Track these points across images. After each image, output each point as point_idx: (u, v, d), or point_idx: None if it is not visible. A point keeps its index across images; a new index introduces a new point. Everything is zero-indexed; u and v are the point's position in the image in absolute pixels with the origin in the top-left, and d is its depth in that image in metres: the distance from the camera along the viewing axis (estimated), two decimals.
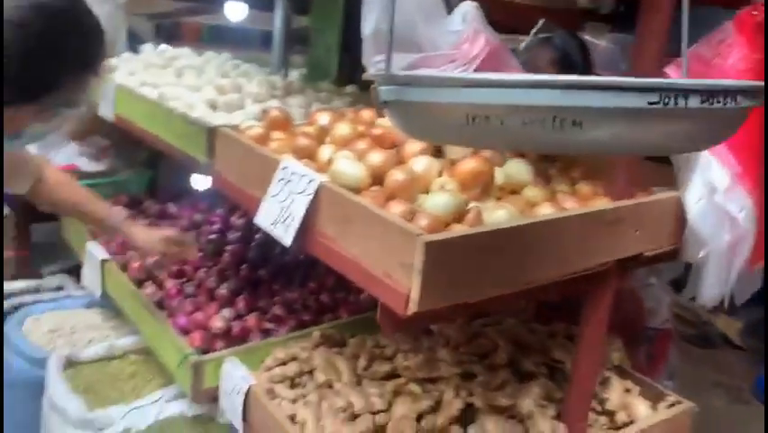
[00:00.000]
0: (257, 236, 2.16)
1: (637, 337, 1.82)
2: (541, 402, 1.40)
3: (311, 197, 1.09)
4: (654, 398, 1.56)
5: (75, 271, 2.68)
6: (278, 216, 1.14)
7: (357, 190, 1.08)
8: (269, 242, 2.14)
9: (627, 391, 1.55)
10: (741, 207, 1.18)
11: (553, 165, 1.51)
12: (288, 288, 1.93)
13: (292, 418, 1.37)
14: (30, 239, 2.93)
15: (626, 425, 1.46)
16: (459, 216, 1.02)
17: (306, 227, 1.11)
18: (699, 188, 1.22)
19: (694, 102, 0.54)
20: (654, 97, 0.53)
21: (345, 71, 2.24)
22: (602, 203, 1.17)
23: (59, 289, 2.52)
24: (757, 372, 2.72)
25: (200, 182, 2.44)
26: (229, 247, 2.07)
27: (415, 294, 0.91)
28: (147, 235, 1.73)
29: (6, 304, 2.36)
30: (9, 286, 2.54)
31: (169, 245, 1.73)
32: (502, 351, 1.47)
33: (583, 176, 1.39)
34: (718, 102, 0.55)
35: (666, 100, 0.53)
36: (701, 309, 3.29)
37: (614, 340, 1.62)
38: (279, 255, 2.10)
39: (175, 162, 2.66)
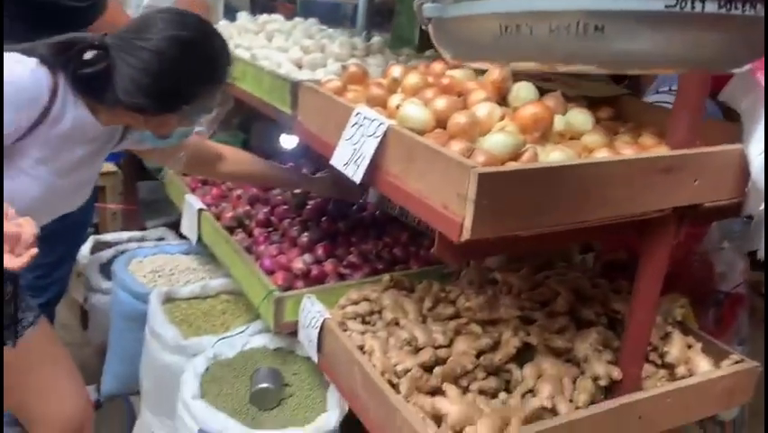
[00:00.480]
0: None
1: (705, 300, 1.82)
2: (597, 348, 1.45)
3: (379, 138, 1.20)
4: (717, 356, 1.57)
5: (175, 226, 2.94)
6: (351, 157, 1.26)
7: (421, 133, 1.18)
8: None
9: (689, 346, 1.57)
10: None
11: (624, 125, 1.55)
12: (364, 240, 2.05)
13: (361, 348, 1.50)
14: (137, 195, 3.22)
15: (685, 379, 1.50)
16: (516, 156, 1.10)
17: (375, 166, 1.22)
18: (762, 140, 1.23)
19: (711, 6, 0.58)
20: (671, 0, 0.58)
21: (427, 39, 2.31)
22: (660, 150, 1.21)
23: (161, 239, 2.78)
24: None
25: (287, 142, 2.61)
26: (311, 201, 2.22)
27: (468, 222, 1.00)
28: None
29: (114, 250, 2.64)
30: (117, 236, 2.83)
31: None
32: (562, 299, 1.53)
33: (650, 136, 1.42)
34: (736, 8, 0.58)
35: (683, 3, 0.57)
36: None
37: (678, 297, 1.63)
38: (357, 211, 2.23)
39: (265, 125, 2.85)
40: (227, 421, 1.54)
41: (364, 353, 1.48)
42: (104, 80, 1.29)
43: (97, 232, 3.03)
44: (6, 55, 1.26)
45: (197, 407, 1.58)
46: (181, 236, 2.59)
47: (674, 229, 1.28)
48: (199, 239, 2.25)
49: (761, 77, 1.26)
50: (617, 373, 1.38)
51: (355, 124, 1.28)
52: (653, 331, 1.53)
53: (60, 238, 1.97)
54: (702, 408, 1.50)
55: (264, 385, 1.66)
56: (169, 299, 2.04)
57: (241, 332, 1.87)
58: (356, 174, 1.24)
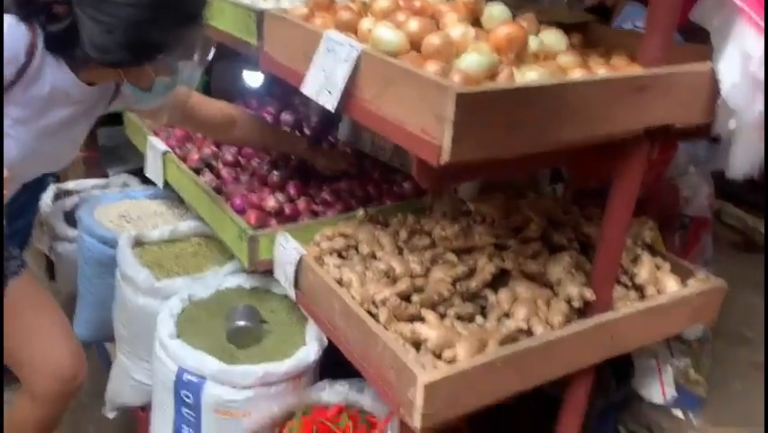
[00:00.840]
0: (306, 131, 2.26)
1: (672, 224, 1.86)
2: (570, 271, 1.48)
3: (351, 63, 1.17)
4: (685, 275, 1.62)
5: (138, 172, 2.86)
6: (322, 85, 1.23)
7: (395, 56, 1.15)
8: (319, 136, 2.25)
9: (658, 267, 1.62)
10: None
11: (595, 50, 1.55)
12: (336, 178, 2.03)
13: (339, 281, 1.50)
14: (97, 142, 3.12)
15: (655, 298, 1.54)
16: (492, 76, 1.08)
17: (348, 93, 1.19)
18: (733, 58, 1.23)
19: None
20: None
21: None
22: (632, 70, 1.21)
23: (125, 186, 2.71)
24: None
25: (251, 80, 2.54)
26: None
27: (447, 145, 0.99)
28: (326, 162, 2.04)
29: (77, 198, 2.57)
30: (80, 183, 2.75)
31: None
32: (535, 225, 1.54)
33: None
34: None
35: None
36: (749, 216, 3.27)
37: (647, 220, 1.67)
38: (326, 148, 2.20)
39: (227, 65, 2.76)
40: (206, 358, 1.54)
41: (342, 285, 1.49)
42: (72, 36, 1.22)
43: (58, 180, 2.94)
44: None
45: (175, 346, 1.58)
46: (145, 182, 2.54)
47: (646, 150, 1.29)
48: (165, 183, 2.20)
49: None
50: (589, 294, 1.42)
51: (325, 50, 1.24)
52: (624, 253, 1.57)
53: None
54: (671, 325, 1.56)
55: (241, 323, 1.66)
56: (138, 243, 2.00)
57: (215, 271, 1.85)
58: (329, 102, 1.21)
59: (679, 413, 1.96)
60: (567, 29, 1.60)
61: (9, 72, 1.22)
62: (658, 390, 1.98)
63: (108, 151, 3.17)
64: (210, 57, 1.41)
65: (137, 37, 1.22)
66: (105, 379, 2.26)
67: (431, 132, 1.02)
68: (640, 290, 1.58)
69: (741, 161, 1.31)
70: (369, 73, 1.15)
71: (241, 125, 1.88)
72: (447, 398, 1.22)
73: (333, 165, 2.04)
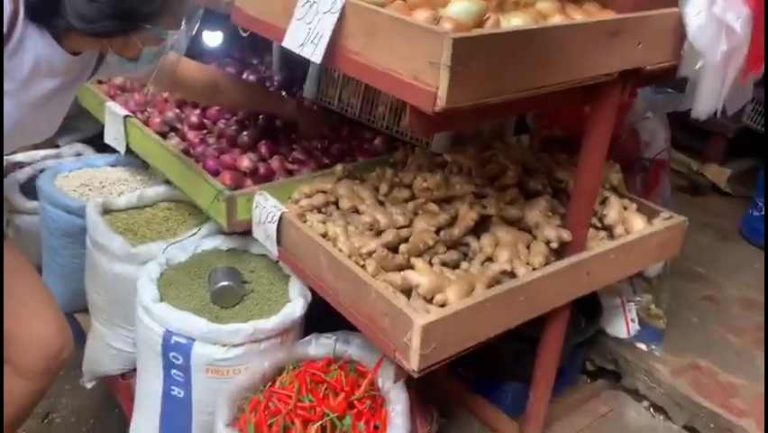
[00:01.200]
0: (272, 90, 2.24)
1: (633, 167, 1.95)
2: (547, 214, 1.55)
3: (337, 14, 1.17)
4: (650, 215, 1.71)
5: (92, 141, 2.78)
6: (306, 37, 1.22)
7: (381, 5, 1.15)
8: (282, 93, 2.23)
9: (625, 208, 1.70)
10: (738, 15, 1.26)
11: None
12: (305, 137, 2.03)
13: (324, 235, 1.52)
14: None
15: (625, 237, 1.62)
16: (479, 23, 1.10)
17: (334, 44, 1.19)
18: (698, 1, 1.29)
19: None
20: None
21: None
22: (607, 14, 1.25)
23: (79, 155, 2.62)
24: (743, 214, 2.90)
25: (211, 39, 2.48)
26: None
27: (443, 90, 1.01)
28: (308, 124, 2.04)
29: (30, 169, 2.48)
30: (31, 155, 2.64)
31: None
32: (512, 172, 1.60)
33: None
34: None
35: None
36: (693, 161, 3.43)
37: (614, 164, 1.75)
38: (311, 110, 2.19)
39: (185, 27, 2.67)
40: (194, 319, 1.54)
41: (327, 240, 1.50)
42: (54, 5, 1.18)
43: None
44: None
45: (160, 309, 1.57)
46: (101, 151, 2.46)
47: (619, 93, 1.35)
48: (128, 149, 2.14)
49: None
50: (566, 235, 1.48)
51: (307, 2, 1.23)
52: None
53: None
54: (640, 261, 1.65)
55: (224, 283, 1.66)
56: (106, 211, 1.96)
57: (192, 235, 1.84)
58: (314, 54, 1.21)
59: (642, 346, 2.08)
60: None
61: None
62: (623, 326, 2.09)
63: None
64: (197, 24, 1.36)
65: (122, 7, 1.18)
66: (77, 354, 2.22)
67: (424, 79, 1.04)
68: (609, 230, 1.66)
69: (705, 101, 1.38)
70: (355, 23, 1.15)
71: (226, 88, 1.86)
72: (442, 339, 1.27)
73: (314, 128, 2.04)
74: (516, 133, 2.15)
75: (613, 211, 1.66)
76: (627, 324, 2.08)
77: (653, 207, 1.73)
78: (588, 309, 1.95)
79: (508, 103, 1.15)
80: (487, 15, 1.12)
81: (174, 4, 1.27)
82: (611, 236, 1.65)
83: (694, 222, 2.94)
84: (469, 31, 1.07)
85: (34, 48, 1.25)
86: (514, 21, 1.13)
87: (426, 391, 1.75)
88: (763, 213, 2.74)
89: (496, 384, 1.92)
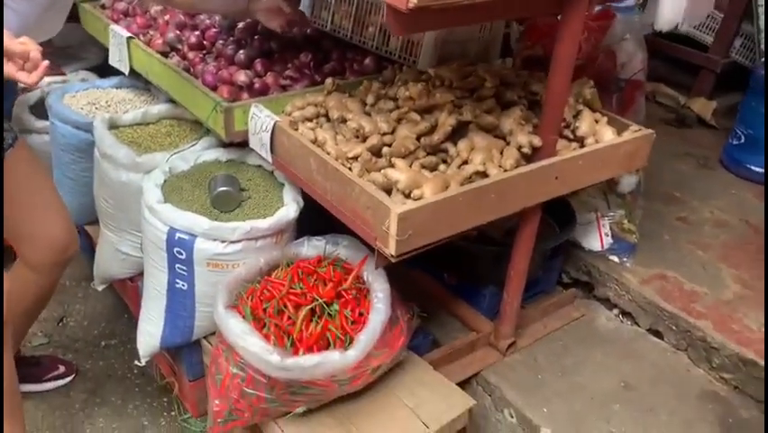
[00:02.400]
0: None
1: (609, 87, 2.06)
2: (520, 122, 1.67)
3: None
4: (620, 128, 1.82)
5: (96, 70, 2.88)
6: None
7: None
8: None
9: (596, 121, 1.82)
10: None
11: None
12: (299, 56, 2.13)
13: (313, 141, 1.64)
14: (51, 40, 3.08)
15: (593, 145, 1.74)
16: None
17: None
18: None
19: None
20: None
21: None
22: None
23: (85, 81, 2.73)
24: (724, 144, 3.01)
25: None
26: (241, 24, 2.25)
27: None
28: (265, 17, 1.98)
29: (39, 92, 2.59)
30: None
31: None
32: (489, 83, 1.71)
33: None
34: None
35: None
36: (681, 95, 3.52)
37: (587, 80, 1.85)
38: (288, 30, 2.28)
39: None
40: (196, 217, 1.68)
41: (317, 145, 1.63)
42: None
43: None
44: None
45: (165, 209, 1.71)
46: (105, 77, 2.57)
47: (587, 3, 1.45)
48: (131, 70, 2.25)
49: None
50: (537, 140, 1.61)
51: None
52: (567, 109, 1.76)
53: None
54: (608, 169, 1.77)
55: (224, 188, 1.80)
56: (112, 126, 2.08)
57: (192, 145, 1.97)
58: None
59: (615, 258, 2.23)
60: None
61: None
62: (597, 239, 2.24)
63: (62, 49, 3.15)
64: None
65: None
66: (85, 264, 2.39)
67: None
68: (581, 142, 1.78)
69: (668, 14, 1.49)
70: None
71: None
72: (417, 227, 1.41)
73: (271, 20, 2.01)
74: (503, 57, 2.25)
75: (585, 124, 1.78)
76: (601, 237, 2.23)
77: (623, 122, 1.85)
78: (562, 219, 2.09)
79: (477, 5, 1.25)
80: None
81: None
82: (583, 147, 1.77)
83: (676, 151, 3.09)
84: None
85: None
86: None
87: (412, 294, 1.91)
88: (742, 142, 2.85)
89: (475, 288, 2.07)
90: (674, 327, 2.04)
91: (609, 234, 2.22)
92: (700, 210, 2.59)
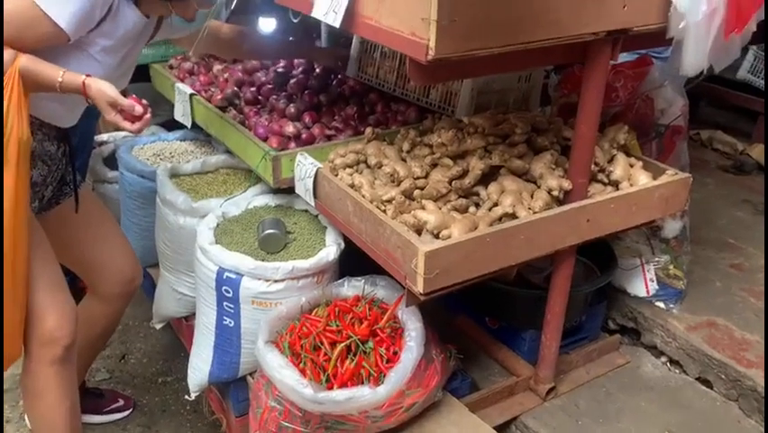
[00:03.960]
0: (315, 69, 2.49)
1: (648, 132, 2.07)
2: (551, 166, 1.71)
3: None
4: (657, 173, 1.84)
5: (165, 125, 3.11)
6: (329, 6, 1.45)
7: None
8: (327, 73, 2.48)
9: (631, 166, 1.84)
10: None
11: None
12: (345, 109, 2.26)
13: (351, 185, 1.74)
14: (125, 96, 3.36)
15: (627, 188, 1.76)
16: None
17: (351, 12, 1.41)
18: None
19: None
20: None
21: None
22: None
23: (153, 135, 2.96)
24: None
25: (266, 25, 2.75)
26: (293, 79, 2.41)
27: (432, 42, 1.22)
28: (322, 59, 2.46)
29: (113, 145, 2.83)
30: (113, 135, 3.00)
31: None
32: (520, 129, 1.76)
33: None
34: None
35: None
36: (740, 142, 3.46)
37: (622, 125, 1.88)
38: (336, 85, 2.43)
39: (241, 18, 2.97)
40: (243, 258, 1.79)
41: (354, 189, 1.73)
42: None
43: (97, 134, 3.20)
44: None
45: (215, 250, 1.83)
46: (172, 131, 2.78)
47: (610, 51, 1.50)
48: (194, 123, 2.44)
49: None
50: (567, 184, 1.65)
51: None
52: (600, 154, 1.80)
53: (80, 124, 2.13)
54: (643, 213, 1.78)
55: (271, 231, 1.91)
56: (174, 175, 2.25)
57: (244, 191, 2.10)
58: (336, 20, 1.43)
59: (661, 304, 2.19)
60: None
61: (103, 9, 1.50)
62: (642, 285, 2.21)
63: None
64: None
65: None
66: (147, 305, 2.54)
67: (419, 34, 1.24)
68: (615, 186, 1.81)
69: (691, 58, 1.52)
70: None
71: (249, 39, 2.19)
72: (445, 266, 1.46)
73: (329, 60, 2.42)
74: (544, 105, 2.32)
75: (619, 168, 1.80)
76: (646, 283, 2.20)
77: (660, 166, 1.86)
78: (604, 264, 2.09)
79: (497, 57, 1.33)
80: None
81: None
82: (617, 192, 1.79)
83: (734, 198, 3.02)
84: None
85: (125, 13, 1.56)
86: None
87: (454, 338, 1.95)
88: None
89: (516, 332, 2.08)
90: (724, 376, 1.98)
91: (655, 279, 2.19)
92: (756, 257, 2.52)
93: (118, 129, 3.14)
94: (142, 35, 1.70)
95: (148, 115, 1.53)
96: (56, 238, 1.69)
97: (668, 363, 2.14)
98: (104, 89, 1.46)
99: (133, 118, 1.51)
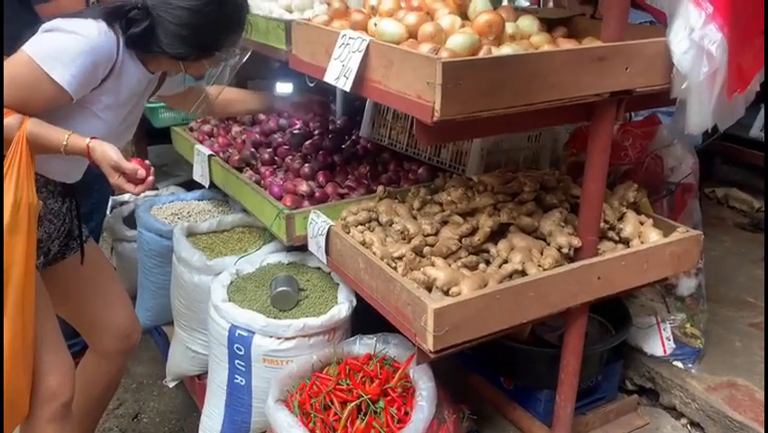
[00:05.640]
0: (330, 130, 2.56)
1: (659, 190, 2.08)
2: (560, 224, 1.73)
3: (363, 52, 1.45)
4: (667, 230, 1.84)
5: (184, 185, 3.19)
6: (340, 72, 1.51)
7: (397, 43, 1.43)
8: (341, 134, 2.55)
9: (642, 223, 1.85)
10: (713, 40, 1.44)
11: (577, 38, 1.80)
12: (358, 168, 2.31)
13: (363, 243, 1.76)
14: (147, 158, 3.46)
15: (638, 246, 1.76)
16: (474, 52, 1.35)
17: (360, 76, 1.47)
18: (680, 30, 1.48)
19: None
20: None
21: None
22: (592, 43, 1.46)
23: (173, 195, 3.03)
24: None
25: (282, 88, 2.84)
26: (309, 140, 2.48)
27: (437, 105, 1.26)
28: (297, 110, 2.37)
29: (132, 205, 2.90)
30: (132, 195, 3.07)
31: None
32: (529, 187, 1.79)
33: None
34: None
35: None
36: (756, 199, 3.44)
37: (632, 184, 1.90)
38: (350, 145, 2.49)
39: (259, 83, 3.08)
40: (255, 315, 1.81)
41: (365, 246, 1.75)
42: (149, 35, 1.53)
43: (113, 195, 3.28)
44: (74, 20, 1.48)
45: (227, 307, 1.85)
46: (191, 191, 2.85)
47: (614, 112, 1.54)
48: (211, 183, 2.50)
49: None
50: (576, 241, 1.66)
51: (342, 44, 1.53)
52: (610, 211, 1.81)
53: (95, 186, 2.21)
54: (654, 270, 1.77)
55: (283, 288, 1.93)
56: (190, 234, 2.30)
57: (257, 249, 2.14)
58: (346, 85, 1.49)
59: (679, 364, 2.15)
60: (555, 23, 1.87)
61: (106, 68, 1.51)
62: (658, 344, 2.18)
63: (157, 168, 3.52)
64: (244, 60, 1.76)
65: (203, 37, 1.54)
66: (161, 364, 2.55)
67: (425, 97, 1.29)
68: (626, 243, 1.81)
69: (695, 118, 1.55)
70: (376, 58, 1.43)
71: (224, 95, 2.13)
72: (455, 323, 1.46)
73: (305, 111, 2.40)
74: (553, 165, 2.34)
75: (629, 226, 1.81)
76: (663, 342, 2.17)
77: (671, 224, 1.86)
78: (619, 322, 2.07)
79: (502, 117, 1.37)
80: (482, 46, 1.36)
81: (236, 37, 1.63)
82: (628, 249, 1.79)
83: (751, 256, 2.99)
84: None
85: (129, 70, 1.57)
86: (504, 50, 1.37)
87: (469, 398, 1.92)
88: None
89: (531, 392, 2.05)
90: None
91: (671, 338, 2.16)
92: None
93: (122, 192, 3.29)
94: (147, 90, 1.72)
95: (151, 178, 1.51)
96: (57, 292, 1.68)
97: (688, 426, 2.08)
98: (107, 153, 1.44)
99: (137, 181, 1.48)
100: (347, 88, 1.49)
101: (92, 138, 1.46)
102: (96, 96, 1.54)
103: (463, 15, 1.56)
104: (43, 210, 1.60)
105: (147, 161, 1.51)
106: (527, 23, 1.53)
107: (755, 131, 3.63)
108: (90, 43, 1.46)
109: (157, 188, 3.27)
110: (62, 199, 1.68)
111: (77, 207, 1.77)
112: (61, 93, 1.44)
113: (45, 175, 1.60)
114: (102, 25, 1.48)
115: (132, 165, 1.46)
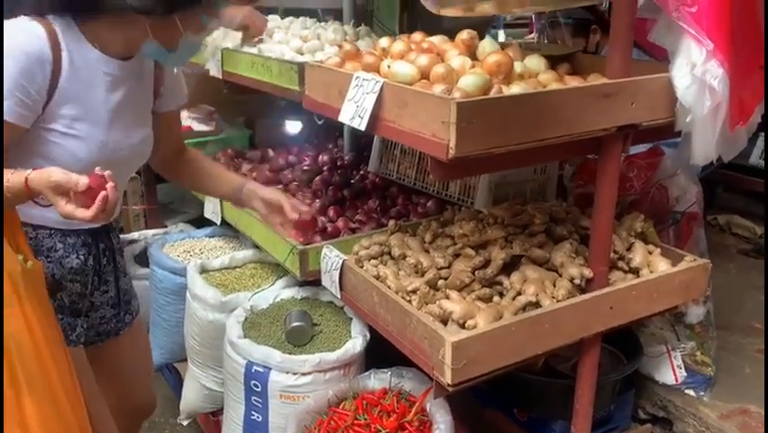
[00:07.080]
0: (339, 166, 2.61)
1: (664, 220, 2.12)
2: (571, 255, 1.76)
3: (377, 93, 1.50)
4: (675, 259, 1.87)
5: (194, 222, 3.24)
6: (355, 112, 1.56)
7: (409, 84, 1.48)
8: (350, 169, 2.59)
9: (650, 253, 1.88)
10: (715, 76, 1.49)
11: (580, 75, 1.86)
12: (368, 202, 2.35)
13: (376, 277, 1.79)
14: (156, 196, 3.51)
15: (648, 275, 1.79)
16: (485, 92, 1.40)
17: (375, 117, 1.52)
18: (682, 66, 1.54)
19: None
20: None
21: (405, 28, 2.67)
22: (598, 80, 1.51)
23: (183, 232, 3.07)
24: None
25: (292, 127, 2.91)
26: (318, 176, 2.52)
27: (452, 142, 1.30)
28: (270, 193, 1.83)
29: (143, 243, 2.93)
30: (143, 233, 3.12)
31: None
32: (539, 219, 1.82)
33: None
34: None
35: None
36: (758, 226, 3.48)
37: (638, 214, 1.93)
38: (359, 180, 2.53)
39: (268, 121, 3.15)
40: (271, 351, 1.83)
41: (379, 280, 1.78)
42: None
43: (122, 232, 3.32)
44: None
45: (243, 344, 1.87)
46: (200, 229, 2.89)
47: (621, 145, 1.58)
48: (223, 220, 2.54)
49: (677, 18, 1.56)
50: (587, 272, 1.68)
51: (355, 86, 1.58)
52: (619, 242, 1.84)
53: None
54: (664, 299, 1.79)
55: (297, 324, 1.95)
56: (203, 271, 2.33)
57: (271, 285, 2.16)
58: (361, 125, 1.53)
59: (691, 392, 2.16)
60: (558, 59, 1.93)
61: (47, 71, 1.22)
62: (670, 372, 2.19)
63: (166, 205, 3.57)
64: (206, 35, 1.45)
65: None
66: (175, 401, 2.55)
67: (439, 135, 1.33)
68: (635, 273, 1.84)
69: (700, 150, 1.59)
70: (390, 99, 1.48)
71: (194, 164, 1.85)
72: (472, 356, 1.48)
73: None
74: (560, 196, 2.38)
75: (638, 255, 1.84)
76: (674, 370, 2.18)
77: (678, 253, 1.89)
78: (630, 352, 2.09)
79: (514, 153, 1.41)
80: (492, 85, 1.41)
81: None
82: (637, 279, 1.82)
83: (756, 282, 3.01)
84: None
85: (81, 60, 1.28)
86: (514, 89, 1.42)
87: (481, 432, 1.93)
88: None
89: (545, 424, 2.05)
90: None
91: (682, 366, 2.17)
92: None
93: (148, 227, 3.31)
94: (134, 81, 1.40)
95: (104, 193, 1.09)
96: (103, 373, 1.57)
97: None
98: (45, 174, 1.10)
99: (87, 202, 1.08)
100: (362, 128, 1.53)
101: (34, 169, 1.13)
102: (54, 112, 1.26)
103: (472, 56, 1.62)
104: (60, 271, 1.39)
105: (108, 172, 1.13)
106: (535, 63, 1.58)
107: (755, 159, 3.70)
108: (11, 53, 1.16)
109: (166, 226, 3.32)
110: (86, 252, 1.44)
111: (114, 257, 1.55)
112: (8, 126, 1.18)
113: (55, 226, 1.36)
114: (20, 21, 1.22)
115: (75, 177, 1.10)
